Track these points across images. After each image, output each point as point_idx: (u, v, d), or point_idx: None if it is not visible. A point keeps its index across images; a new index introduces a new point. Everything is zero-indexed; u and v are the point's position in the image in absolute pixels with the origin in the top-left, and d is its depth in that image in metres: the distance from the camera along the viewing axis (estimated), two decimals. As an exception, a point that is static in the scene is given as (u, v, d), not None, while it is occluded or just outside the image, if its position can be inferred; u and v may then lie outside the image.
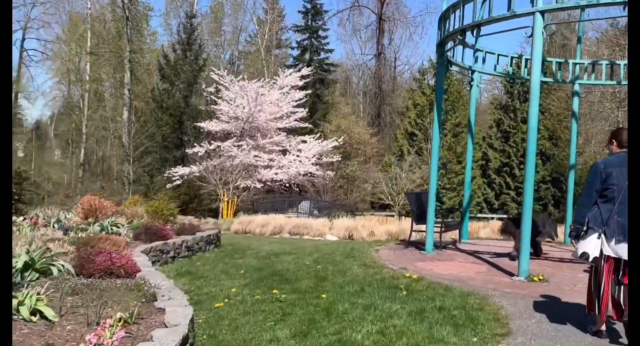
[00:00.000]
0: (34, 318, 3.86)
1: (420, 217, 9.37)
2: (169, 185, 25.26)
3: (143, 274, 5.98)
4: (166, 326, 4.07)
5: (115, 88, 35.68)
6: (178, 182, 24.90)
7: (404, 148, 36.31)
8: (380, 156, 40.56)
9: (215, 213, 23.78)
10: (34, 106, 54.55)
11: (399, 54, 49.13)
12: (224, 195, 22.92)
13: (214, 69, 27.84)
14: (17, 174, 11.12)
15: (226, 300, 5.92)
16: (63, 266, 5.63)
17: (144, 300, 4.88)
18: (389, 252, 9.12)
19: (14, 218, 9.07)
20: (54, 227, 9.27)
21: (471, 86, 11.39)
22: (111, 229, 9.29)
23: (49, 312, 3.95)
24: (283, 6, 46.42)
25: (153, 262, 8.16)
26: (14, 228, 8.17)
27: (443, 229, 9.62)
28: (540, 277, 6.85)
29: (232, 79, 27.07)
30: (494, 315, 5.19)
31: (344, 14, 47.85)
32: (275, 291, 6.20)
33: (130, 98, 31.06)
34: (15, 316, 3.81)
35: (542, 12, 6.91)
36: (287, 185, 26.44)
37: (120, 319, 4.07)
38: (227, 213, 22.85)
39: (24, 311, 3.82)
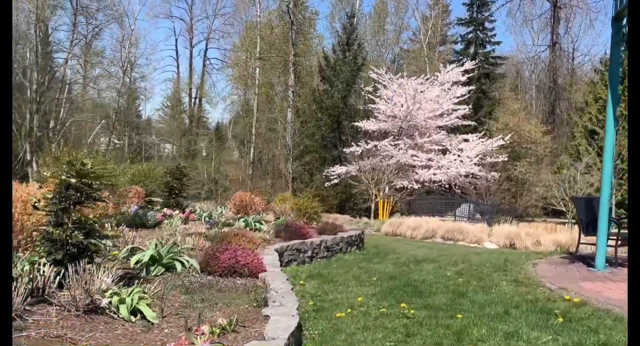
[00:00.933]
0: (133, 318, 3.74)
1: (590, 226, 7.90)
2: (327, 184, 25.65)
3: (265, 275, 5.75)
4: (264, 339, 3.71)
5: (283, 91, 37.48)
6: (336, 181, 25.14)
7: (582, 147, 32.67)
8: (554, 156, 36.97)
9: (371, 213, 23.51)
10: (215, 110, 59.78)
11: (577, 44, 44.24)
12: (377, 196, 22.56)
13: (372, 67, 27.65)
14: (178, 170, 11.85)
15: (349, 310, 5.42)
16: (188, 261, 5.62)
17: (255, 305, 4.60)
18: (549, 267, 7.82)
19: (170, 211, 9.61)
20: (204, 221, 9.64)
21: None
22: (254, 225, 9.38)
23: (149, 313, 3.82)
24: (448, 1, 44.45)
25: (289, 261, 8.01)
26: (165, 221, 8.60)
27: (619, 242, 8.01)
28: None
29: (390, 77, 26.61)
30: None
31: (514, 4, 44.47)
32: (403, 305, 5.53)
33: (293, 100, 32.29)
34: (115, 315, 3.73)
35: None
36: (446, 186, 25.22)
37: (219, 325, 3.81)
38: (382, 214, 22.45)
39: (123, 311, 3.73)
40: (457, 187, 25.99)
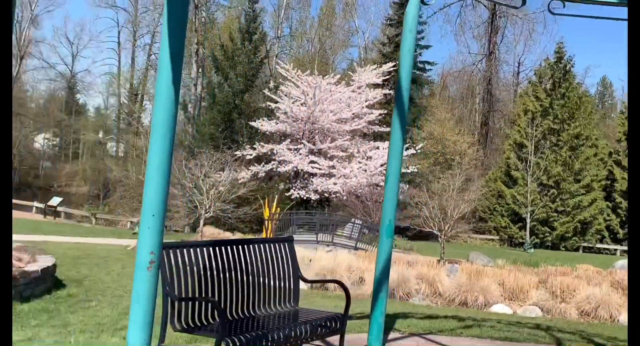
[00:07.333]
0: None
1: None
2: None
3: None
4: None
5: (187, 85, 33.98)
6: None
7: (510, 161, 30.91)
8: (485, 169, 35.08)
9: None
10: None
11: (513, 55, 41.92)
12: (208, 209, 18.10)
13: (280, 61, 24.73)
14: None
15: None
16: None
17: None
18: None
19: None
20: None
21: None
22: None
23: None
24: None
25: None
26: None
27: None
28: None
29: (298, 74, 23.66)
30: None
31: (453, 9, 42.33)
32: None
33: (197, 94, 28.90)
34: None
35: None
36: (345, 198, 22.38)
37: None
38: (268, 231, 19.28)
39: None
40: (368, 200, 23.22)
